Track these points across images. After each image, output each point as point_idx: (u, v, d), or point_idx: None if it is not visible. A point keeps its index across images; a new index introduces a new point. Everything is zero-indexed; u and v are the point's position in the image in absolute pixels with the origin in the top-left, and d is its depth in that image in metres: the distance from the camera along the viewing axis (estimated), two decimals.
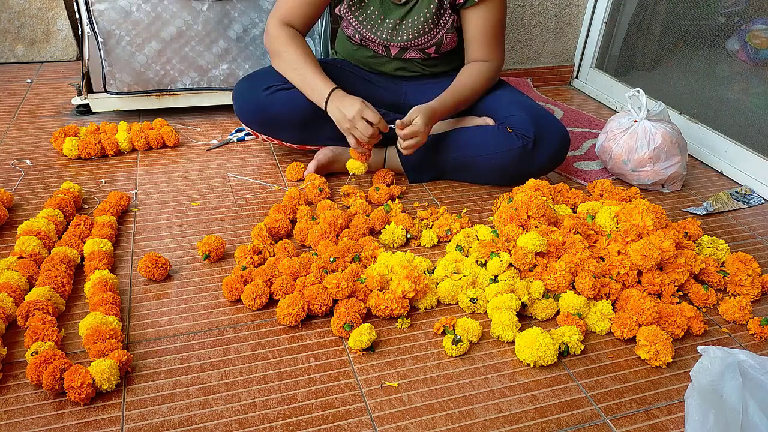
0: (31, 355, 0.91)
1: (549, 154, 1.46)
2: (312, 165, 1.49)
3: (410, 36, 1.44)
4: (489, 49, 1.46)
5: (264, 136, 1.49)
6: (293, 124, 1.45)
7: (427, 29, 1.43)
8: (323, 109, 1.36)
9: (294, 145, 1.53)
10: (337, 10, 1.47)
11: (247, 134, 1.73)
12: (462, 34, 1.48)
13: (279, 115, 1.43)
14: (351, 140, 1.35)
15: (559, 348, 1.02)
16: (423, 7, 1.40)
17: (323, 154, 1.50)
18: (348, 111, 1.31)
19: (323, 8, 1.44)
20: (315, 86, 1.36)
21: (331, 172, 1.54)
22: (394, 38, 1.45)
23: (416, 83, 1.57)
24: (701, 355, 0.92)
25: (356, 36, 1.49)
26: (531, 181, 1.42)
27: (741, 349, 1.02)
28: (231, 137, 1.72)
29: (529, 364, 1.01)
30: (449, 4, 1.41)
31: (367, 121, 1.31)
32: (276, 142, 1.51)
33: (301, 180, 1.52)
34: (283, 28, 1.40)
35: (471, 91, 1.46)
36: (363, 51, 1.54)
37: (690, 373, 0.90)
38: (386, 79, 1.58)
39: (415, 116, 1.33)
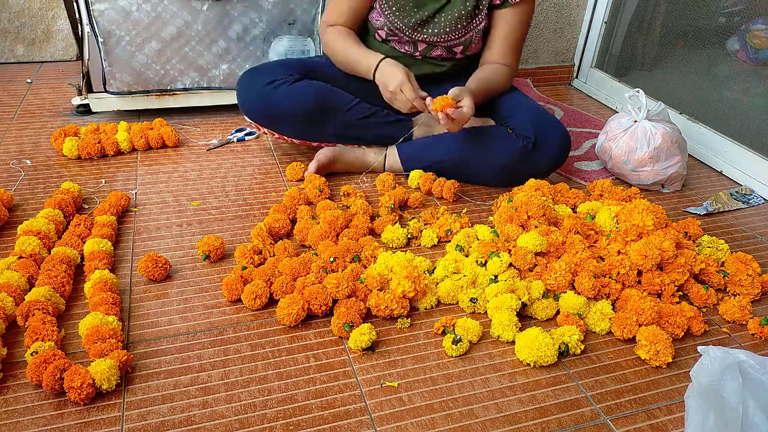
0: (31, 355, 0.91)
1: (549, 156, 1.46)
2: (312, 165, 1.49)
3: (441, 31, 1.44)
4: (510, 53, 1.49)
5: (266, 130, 1.50)
6: (296, 119, 1.45)
7: (459, 26, 1.43)
8: (372, 79, 1.39)
9: (294, 140, 1.52)
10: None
11: (248, 134, 1.73)
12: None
13: (282, 110, 1.44)
14: (402, 109, 1.38)
15: (559, 348, 1.02)
16: (459, 4, 1.41)
17: (323, 153, 1.50)
18: (390, 82, 1.33)
19: (369, 1, 1.46)
20: (362, 60, 1.40)
21: (332, 172, 1.54)
22: (424, 31, 1.45)
23: (428, 88, 1.56)
24: (701, 355, 0.92)
25: (384, 28, 1.47)
26: (531, 181, 1.42)
27: (741, 349, 1.02)
28: (231, 137, 1.72)
29: (529, 364, 1.01)
30: (487, 4, 1.42)
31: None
32: (277, 135, 1.51)
33: (302, 180, 1.52)
34: (327, 30, 1.47)
35: (495, 85, 1.48)
36: (385, 49, 1.51)
37: (690, 373, 0.90)
38: None
39: (463, 97, 1.32)
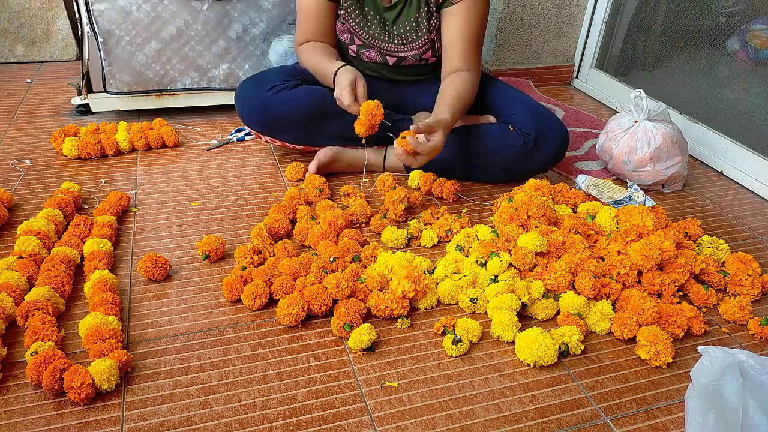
0: (31, 355, 0.91)
1: (549, 152, 1.47)
2: (313, 165, 1.49)
3: (405, 39, 1.45)
4: (467, 57, 1.41)
5: (267, 138, 1.49)
6: (295, 124, 1.46)
7: (419, 31, 1.43)
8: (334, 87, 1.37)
9: (297, 146, 1.53)
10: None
11: (247, 134, 1.73)
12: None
13: (282, 115, 1.44)
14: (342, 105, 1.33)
15: (559, 348, 1.02)
16: (413, 11, 1.41)
17: (324, 153, 1.50)
18: (339, 82, 1.32)
19: (334, 14, 1.46)
20: (326, 70, 1.39)
21: (332, 172, 1.54)
22: (390, 42, 1.46)
23: (417, 86, 1.57)
24: (701, 355, 0.92)
25: (354, 45, 1.48)
26: (531, 181, 1.42)
27: (741, 349, 1.02)
28: (231, 137, 1.71)
29: (529, 364, 1.01)
30: (434, 5, 1.40)
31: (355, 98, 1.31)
32: (279, 143, 1.51)
33: (302, 180, 1.52)
34: (299, 49, 1.48)
35: (466, 99, 1.41)
36: (360, 63, 1.54)
37: (690, 373, 0.90)
38: (387, 82, 1.58)
39: (436, 130, 1.26)
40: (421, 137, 1.25)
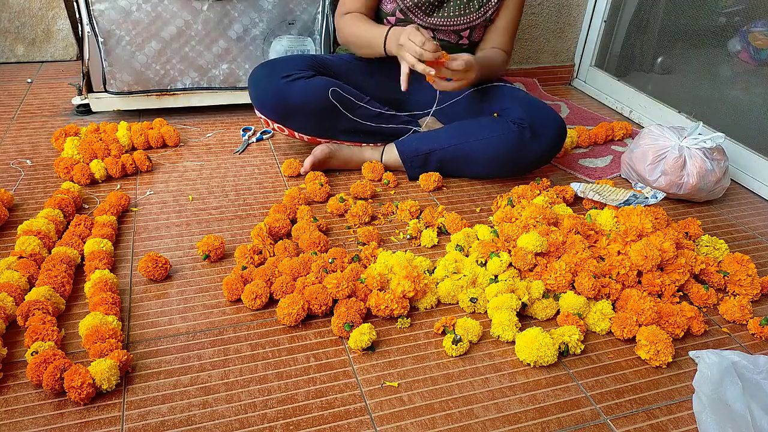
0: (31, 355, 0.91)
1: (546, 142, 1.46)
2: (308, 162, 1.49)
3: (452, 14, 1.47)
4: (509, 41, 1.57)
5: (277, 126, 1.49)
6: (311, 114, 1.45)
7: (468, 11, 1.47)
8: (386, 54, 1.43)
9: (305, 137, 1.52)
10: None
11: (264, 132, 1.74)
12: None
13: (297, 104, 1.43)
14: (410, 61, 1.31)
15: (559, 348, 1.02)
16: None
17: (321, 150, 1.50)
18: (402, 35, 1.33)
19: None
20: (374, 33, 1.43)
21: (328, 169, 1.54)
22: (436, 14, 1.47)
23: (420, 78, 1.56)
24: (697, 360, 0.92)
25: (396, 13, 1.49)
26: (531, 183, 1.42)
27: (731, 350, 1.02)
28: (253, 140, 1.71)
29: (529, 364, 1.01)
30: None
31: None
32: (287, 132, 1.51)
33: (298, 176, 1.52)
34: (343, 17, 1.51)
35: (495, 64, 1.52)
36: None
37: (693, 383, 0.90)
38: (393, 71, 1.56)
39: (467, 57, 1.35)
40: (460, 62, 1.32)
